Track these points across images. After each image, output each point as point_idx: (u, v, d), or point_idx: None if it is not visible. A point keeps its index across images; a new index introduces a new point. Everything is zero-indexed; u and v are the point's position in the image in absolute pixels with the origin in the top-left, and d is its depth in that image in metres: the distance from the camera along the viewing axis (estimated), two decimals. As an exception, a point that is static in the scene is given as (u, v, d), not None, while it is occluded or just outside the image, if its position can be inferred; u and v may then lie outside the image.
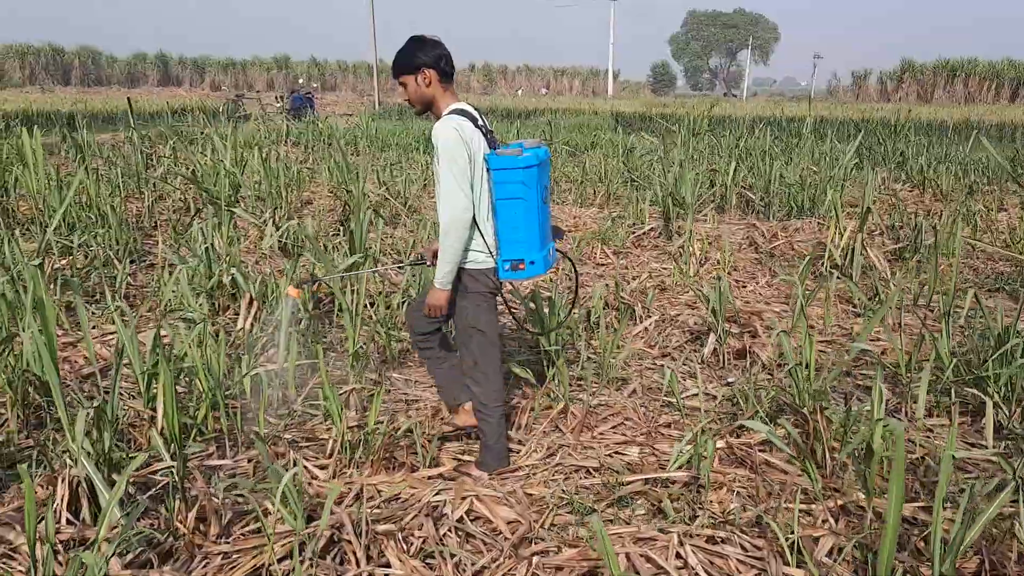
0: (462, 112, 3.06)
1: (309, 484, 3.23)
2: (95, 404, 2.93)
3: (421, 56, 3.03)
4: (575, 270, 3.83)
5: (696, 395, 4.32)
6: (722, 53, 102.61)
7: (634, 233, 8.17)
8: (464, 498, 3.05)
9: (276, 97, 24.78)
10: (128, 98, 8.49)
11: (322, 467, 3.44)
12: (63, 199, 6.38)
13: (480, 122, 3.10)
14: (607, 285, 5.42)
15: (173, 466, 2.71)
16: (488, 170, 3.00)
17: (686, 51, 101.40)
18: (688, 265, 6.70)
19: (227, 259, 5.47)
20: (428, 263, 3.53)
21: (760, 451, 3.55)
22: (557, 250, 3.42)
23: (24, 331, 3.62)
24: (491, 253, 3.12)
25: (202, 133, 16.95)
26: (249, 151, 8.17)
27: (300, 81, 38.44)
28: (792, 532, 2.80)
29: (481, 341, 3.29)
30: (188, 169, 9.26)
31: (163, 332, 4.19)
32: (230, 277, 5.03)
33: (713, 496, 3.20)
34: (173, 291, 5.25)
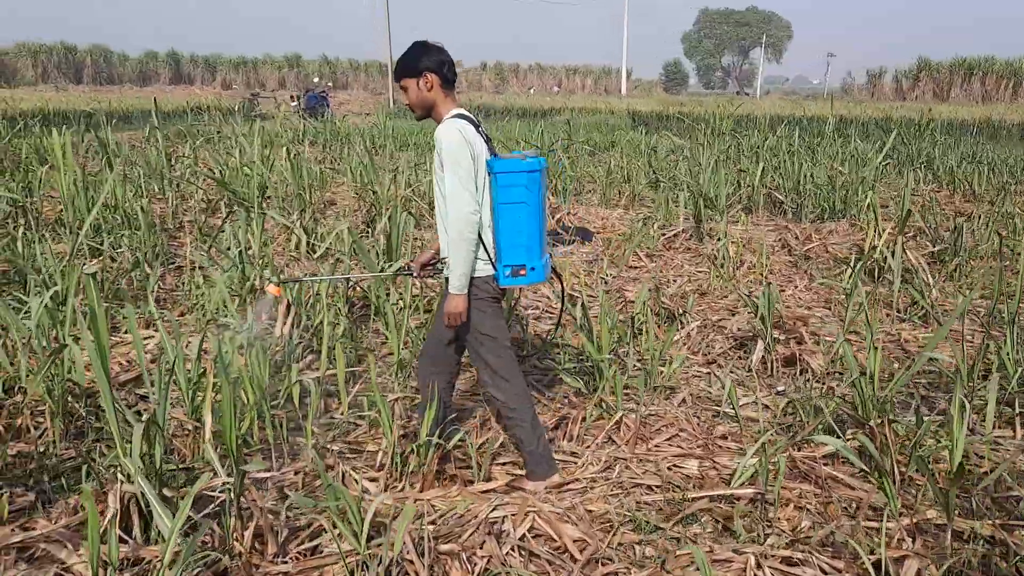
0: (463, 117, 3.07)
1: (360, 499, 3.13)
2: (143, 415, 2.83)
3: (424, 61, 3.05)
4: (562, 285, 3.77)
5: (747, 405, 4.21)
6: (734, 51, 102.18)
7: (664, 235, 8.03)
8: (525, 515, 2.94)
9: (291, 96, 24.72)
10: (154, 98, 8.37)
11: (372, 480, 3.34)
12: (93, 201, 6.30)
13: (480, 128, 3.12)
14: (649, 290, 5.29)
15: (230, 482, 2.60)
16: (491, 175, 2.99)
17: (698, 49, 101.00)
18: (727, 269, 6.56)
19: (260, 262, 5.36)
20: (414, 274, 3.53)
21: (823, 465, 3.43)
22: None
23: (65, 338, 3.53)
24: (491, 260, 3.09)
25: (218, 132, 16.93)
26: (276, 151, 8.07)
27: (316, 80, 38.31)
28: (872, 552, 2.69)
29: (492, 346, 3.23)
30: (210, 169, 9.19)
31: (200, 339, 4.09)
32: (268, 281, 4.91)
33: (780, 513, 3.08)
34: (201, 295, 5.17)
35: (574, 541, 2.83)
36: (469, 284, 3.09)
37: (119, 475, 2.74)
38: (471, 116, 3.13)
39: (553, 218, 8.75)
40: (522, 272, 3.05)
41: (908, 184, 6.94)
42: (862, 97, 56.02)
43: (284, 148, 7.12)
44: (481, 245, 3.07)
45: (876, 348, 3.61)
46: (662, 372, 4.41)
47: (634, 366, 4.48)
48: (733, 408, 3.89)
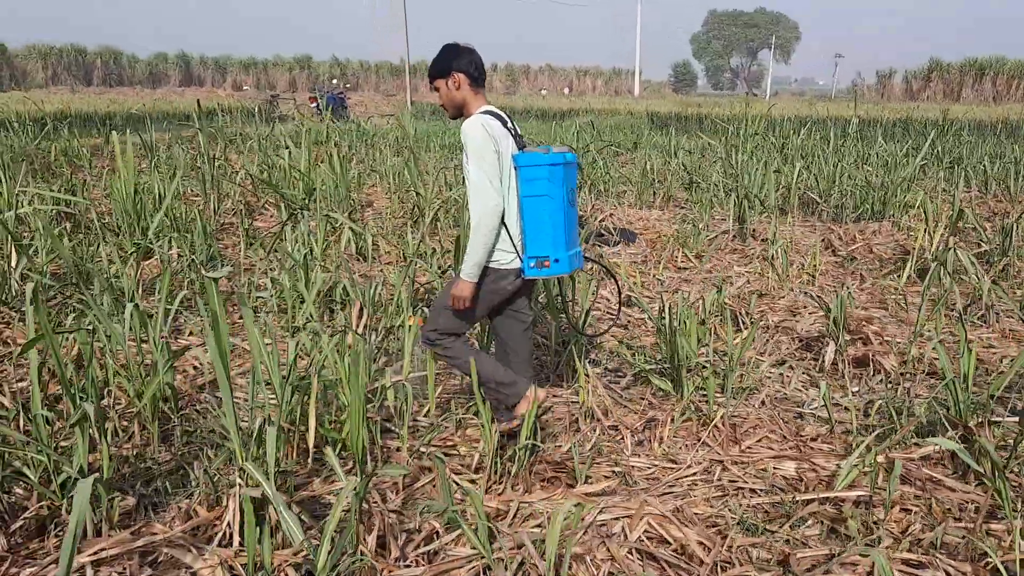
0: (491, 114, 3.19)
1: (461, 501, 3.12)
2: (261, 420, 2.83)
3: (453, 62, 3.20)
4: (618, 285, 3.83)
5: (825, 406, 4.19)
6: (743, 52, 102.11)
7: (707, 236, 8.01)
8: (641, 518, 2.92)
9: (310, 98, 24.73)
10: (198, 100, 8.36)
11: (471, 482, 3.33)
12: (142, 203, 6.31)
13: (509, 124, 3.24)
14: (718, 291, 5.28)
15: (353, 484, 2.58)
16: (516, 168, 3.12)
17: (707, 51, 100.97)
18: (785, 270, 6.53)
19: (324, 265, 5.36)
20: None
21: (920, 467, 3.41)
22: (587, 258, 3.51)
23: (156, 342, 3.53)
24: (517, 252, 3.21)
25: (240, 134, 16.94)
26: (322, 153, 8.06)
27: (334, 81, 38.33)
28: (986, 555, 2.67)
29: (447, 321, 3.36)
30: (246, 171, 9.18)
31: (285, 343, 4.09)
32: (340, 285, 4.95)
33: (886, 515, 3.06)
34: (272, 297, 5.16)
35: (688, 543, 2.81)
36: (489, 272, 3.22)
37: (238, 479, 2.74)
38: (499, 113, 3.25)
39: (596, 220, 8.74)
40: (546, 264, 3.14)
41: (959, 184, 6.93)
42: (872, 98, 55.96)
43: (334, 151, 7.10)
44: (507, 237, 3.19)
45: (970, 349, 3.60)
46: (740, 374, 4.40)
47: (714, 368, 4.46)
48: (826, 409, 3.86)
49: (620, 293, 3.96)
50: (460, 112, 3.29)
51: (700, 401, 4.10)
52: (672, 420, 3.86)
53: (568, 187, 3.15)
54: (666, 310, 4.26)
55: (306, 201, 7.34)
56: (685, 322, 4.30)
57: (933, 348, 4.31)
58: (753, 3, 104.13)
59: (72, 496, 2.83)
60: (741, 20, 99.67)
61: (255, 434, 2.88)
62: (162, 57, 64.47)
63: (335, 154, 7.17)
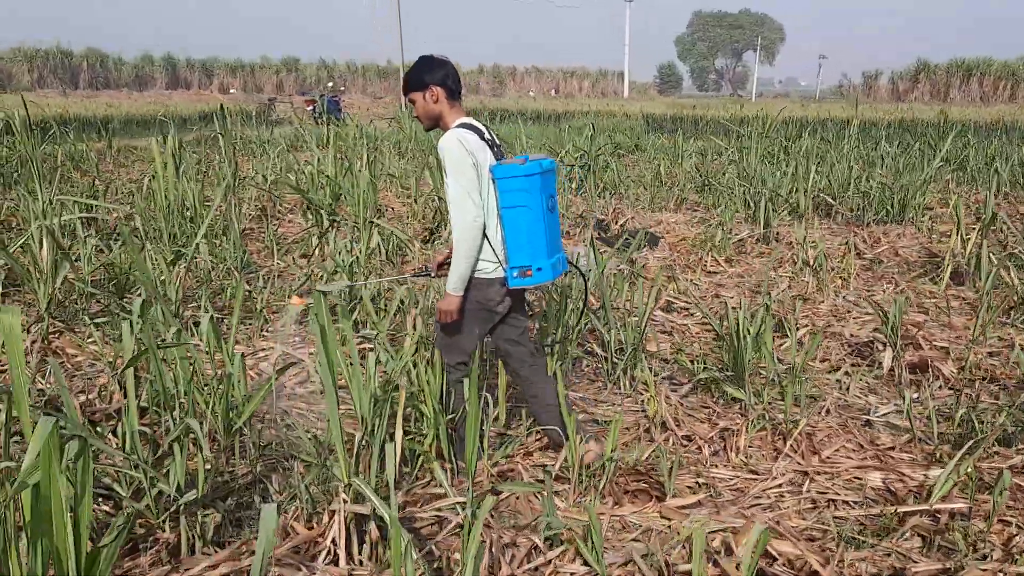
0: (468, 126, 3.20)
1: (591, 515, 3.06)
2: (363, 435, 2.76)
3: (429, 75, 3.20)
4: (585, 280, 3.84)
5: (889, 413, 4.16)
6: (728, 54, 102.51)
7: (732, 239, 7.98)
8: (744, 532, 2.87)
9: (306, 101, 24.59)
10: (220, 104, 8.25)
11: (556, 493, 3.26)
12: (170, 208, 6.21)
13: (487, 135, 3.24)
14: (768, 295, 5.24)
15: (461, 501, 2.52)
16: (493, 180, 3.13)
17: (692, 52, 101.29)
18: (823, 274, 6.50)
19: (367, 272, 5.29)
20: (432, 274, 3.63)
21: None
22: (568, 262, 3.50)
23: (231, 354, 3.45)
24: (500, 263, 3.22)
25: (240, 137, 16.80)
26: (355, 157, 7.96)
27: (330, 84, 38.09)
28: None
29: (456, 346, 3.35)
30: (273, 176, 9.09)
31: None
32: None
33: (982, 525, 3.02)
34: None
35: (794, 559, 2.77)
36: (471, 283, 3.22)
37: (342, 494, 2.67)
38: (476, 125, 3.26)
39: (616, 223, 8.70)
40: (528, 273, 3.17)
41: (992, 186, 6.93)
42: (859, 99, 56.24)
43: (364, 156, 7.01)
44: (489, 247, 3.20)
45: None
46: (802, 381, 4.36)
47: (779, 376, 4.42)
48: (904, 418, 3.83)
49: (586, 296, 3.99)
50: (436, 124, 3.30)
51: (772, 410, 4.05)
52: (746, 430, 3.81)
53: (547, 195, 3.17)
54: (728, 316, 4.22)
55: (333, 206, 7.25)
56: (748, 329, 4.26)
57: (969, 353, 4.28)
58: (738, 4, 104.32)
59: (167, 512, 2.76)
60: (726, 21, 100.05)
61: (356, 448, 2.82)
62: (148, 59, 63.93)
63: (364, 158, 7.08)
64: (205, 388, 3.27)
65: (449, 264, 3.52)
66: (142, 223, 5.51)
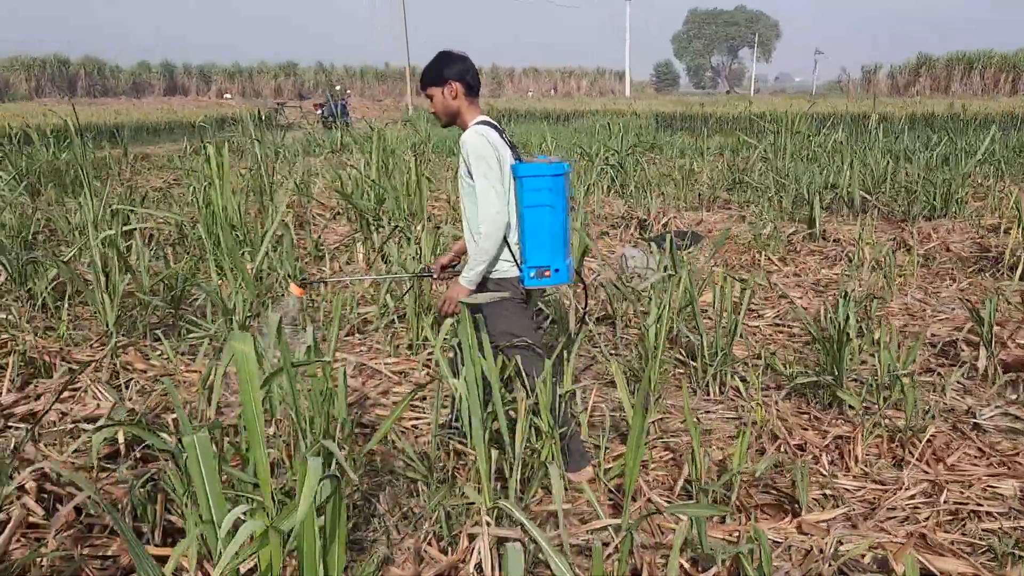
0: (488, 124, 3.18)
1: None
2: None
3: (448, 70, 3.16)
4: (583, 283, 3.76)
5: (993, 416, 4.02)
6: (723, 51, 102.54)
7: (781, 237, 7.83)
8: (904, 549, 2.72)
9: (314, 105, 24.44)
10: (257, 109, 8.09)
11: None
12: (268, 222, 6.03)
13: (504, 134, 3.22)
14: (846, 296, 5.10)
15: (615, 524, 2.37)
16: (516, 179, 3.07)
17: (688, 50, 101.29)
18: (891, 271, 6.35)
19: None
20: (434, 276, 3.66)
21: None
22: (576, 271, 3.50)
23: (325, 369, 3.30)
24: (516, 262, 3.19)
25: (250, 141, 16.60)
26: (402, 160, 7.81)
27: (337, 88, 37.86)
28: None
29: (519, 346, 3.24)
30: (295, 181, 8.93)
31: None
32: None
33: None
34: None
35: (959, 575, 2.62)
36: (495, 284, 3.21)
37: (485, 516, 2.52)
38: (495, 123, 3.24)
39: (659, 222, 8.56)
40: (547, 273, 3.13)
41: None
42: (858, 93, 56.22)
43: (412, 161, 6.86)
44: (506, 247, 3.17)
45: None
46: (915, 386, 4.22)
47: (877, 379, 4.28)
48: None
49: (587, 301, 3.94)
50: (453, 121, 3.25)
51: (883, 415, 3.90)
52: (861, 437, 3.66)
53: (566, 196, 3.14)
54: (830, 317, 4.08)
55: (377, 211, 7.09)
56: (848, 331, 4.11)
57: None
58: (733, 1, 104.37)
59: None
60: (721, 18, 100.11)
61: (489, 467, 2.67)
62: (145, 66, 63.77)
63: (412, 162, 6.93)
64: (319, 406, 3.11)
65: (453, 266, 3.66)
66: (205, 232, 5.33)
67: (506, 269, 3.21)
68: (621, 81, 76.44)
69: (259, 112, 20.83)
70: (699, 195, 10.35)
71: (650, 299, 4.37)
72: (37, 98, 52.04)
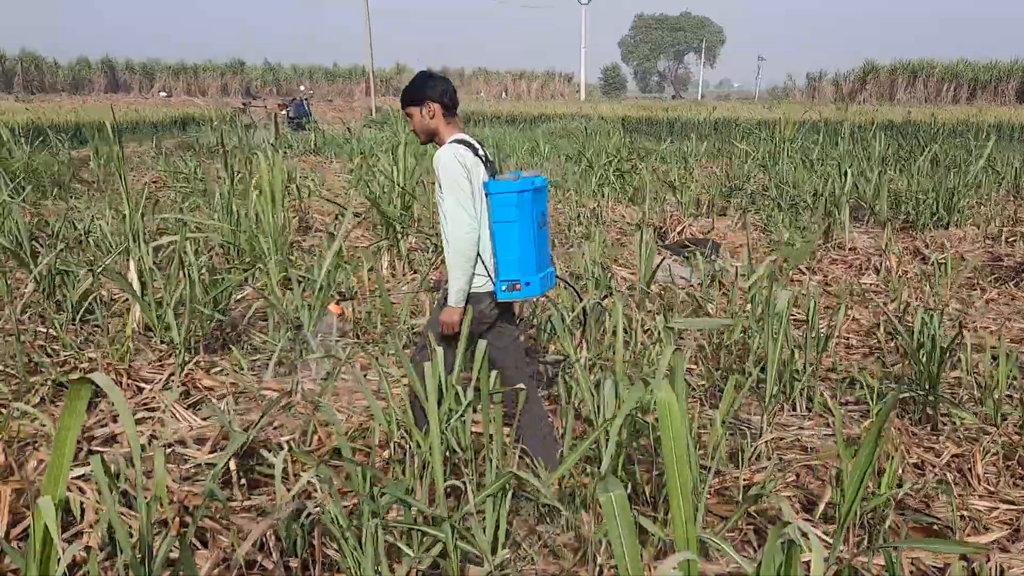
0: (463, 142, 3.25)
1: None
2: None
3: (427, 91, 3.26)
4: (579, 297, 3.97)
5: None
6: (670, 56, 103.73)
7: (802, 247, 7.84)
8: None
9: (279, 104, 23.95)
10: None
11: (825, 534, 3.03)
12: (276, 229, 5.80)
13: (480, 151, 3.30)
14: (904, 305, 5.11)
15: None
16: (487, 195, 3.20)
17: (635, 54, 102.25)
18: (939, 280, 6.38)
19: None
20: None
21: None
22: (558, 277, 3.62)
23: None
24: (489, 277, 3.29)
25: (222, 142, 16.16)
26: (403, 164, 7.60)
27: (302, 88, 37.14)
28: None
29: (506, 355, 3.43)
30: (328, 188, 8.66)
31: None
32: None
33: None
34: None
35: None
36: (472, 298, 3.30)
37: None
38: (471, 141, 3.32)
39: (674, 230, 8.53)
40: (517, 287, 3.24)
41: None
42: (801, 100, 57.33)
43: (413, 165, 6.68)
44: (481, 263, 3.26)
45: None
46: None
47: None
48: None
49: (585, 312, 4.05)
50: (431, 139, 3.35)
51: (1005, 432, 3.88)
52: (980, 456, 3.63)
53: (538, 211, 3.26)
54: (927, 331, 4.05)
55: (404, 217, 6.91)
56: (941, 346, 4.09)
57: None
58: (679, 7, 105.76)
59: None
60: (667, 24, 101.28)
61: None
62: (84, 63, 61.78)
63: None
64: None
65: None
66: (248, 243, 5.09)
67: (481, 284, 3.30)
68: (569, 84, 76.76)
69: (226, 113, 20.35)
70: (698, 202, 10.36)
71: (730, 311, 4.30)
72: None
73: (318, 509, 2.66)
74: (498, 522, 2.60)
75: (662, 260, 6.34)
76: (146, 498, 2.71)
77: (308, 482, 2.93)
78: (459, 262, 3.17)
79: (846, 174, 9.61)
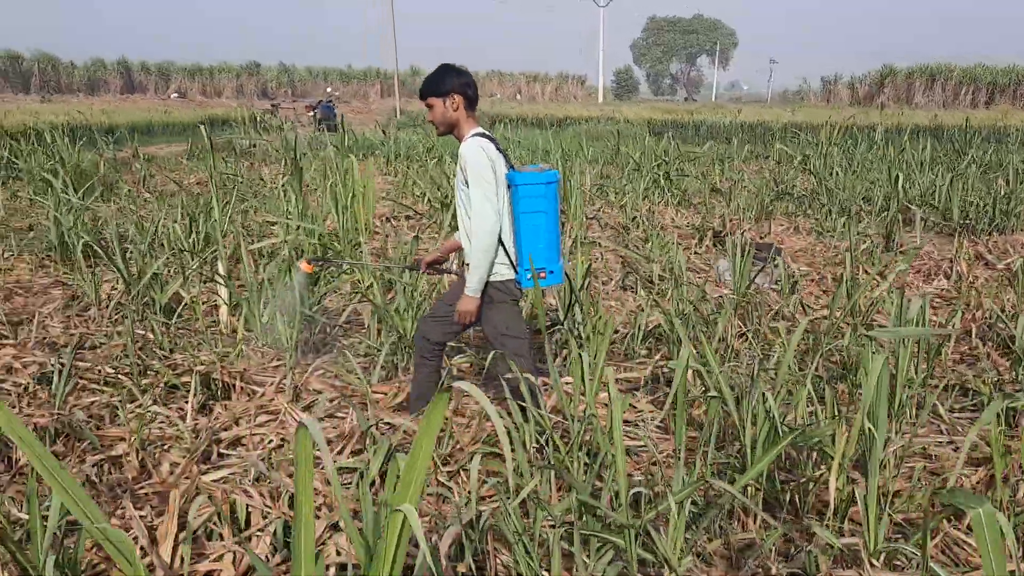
0: (484, 136, 3.33)
1: None
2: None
3: (451, 82, 3.30)
4: (570, 285, 4.08)
5: None
6: (682, 58, 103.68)
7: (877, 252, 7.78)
8: None
9: (306, 107, 24.00)
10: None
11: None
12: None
13: (498, 145, 3.37)
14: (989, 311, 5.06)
15: None
16: (511, 187, 3.28)
17: (647, 56, 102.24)
18: (1019, 286, 6.32)
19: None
20: (420, 270, 3.94)
21: None
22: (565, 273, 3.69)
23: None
24: (513, 266, 3.39)
25: (253, 145, 16.22)
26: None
27: (328, 89, 37.17)
28: None
29: (515, 344, 3.49)
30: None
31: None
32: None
33: None
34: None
35: None
36: (493, 288, 3.39)
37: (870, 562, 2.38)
38: (490, 135, 3.39)
39: (734, 235, 8.49)
40: (542, 275, 3.34)
41: None
42: (816, 103, 57.26)
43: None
44: (504, 252, 3.35)
45: None
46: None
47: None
48: None
49: (572, 303, 4.21)
50: (450, 131, 3.40)
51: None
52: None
53: (557, 203, 3.34)
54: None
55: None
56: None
57: None
58: (691, 9, 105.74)
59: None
60: (680, 26, 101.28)
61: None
62: (100, 64, 62.02)
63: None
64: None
65: (439, 264, 3.94)
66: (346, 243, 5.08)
67: (504, 273, 3.38)
68: (582, 86, 76.84)
69: (255, 114, 20.42)
70: (747, 205, 10.32)
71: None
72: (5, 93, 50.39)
73: (488, 514, 2.64)
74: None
75: (760, 269, 6.29)
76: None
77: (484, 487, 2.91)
78: (483, 254, 3.23)
79: (897, 178, 9.57)
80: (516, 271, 3.40)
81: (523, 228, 3.29)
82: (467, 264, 3.38)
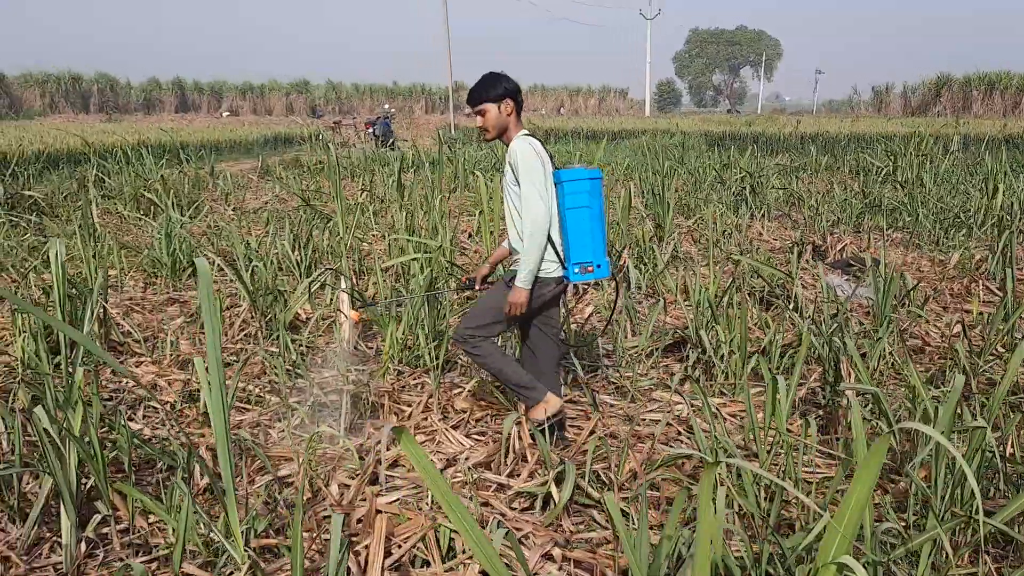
0: (533, 136, 3.48)
1: None
2: None
3: (504, 87, 3.41)
4: (617, 289, 4.16)
5: None
6: (725, 70, 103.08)
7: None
8: None
9: (364, 123, 24.19)
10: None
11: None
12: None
13: (545, 146, 3.51)
14: None
15: None
16: (558, 184, 3.39)
17: (690, 68, 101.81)
18: None
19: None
20: (476, 287, 3.92)
21: None
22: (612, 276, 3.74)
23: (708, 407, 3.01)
24: (561, 262, 3.47)
25: (320, 161, 16.32)
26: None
27: (386, 106, 37.47)
28: None
29: (551, 333, 3.71)
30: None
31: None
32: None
33: None
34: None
35: None
36: (537, 283, 3.44)
37: None
38: (537, 136, 3.53)
39: (835, 248, 8.31)
40: (590, 269, 3.41)
41: None
42: (868, 113, 56.39)
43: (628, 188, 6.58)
44: (552, 249, 3.43)
45: None
46: None
47: None
48: None
49: (615, 303, 4.11)
50: (501, 135, 3.48)
51: None
52: None
53: (602, 200, 3.44)
54: None
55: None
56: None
57: None
58: (734, 21, 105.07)
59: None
60: (723, 38, 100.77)
61: None
62: (155, 83, 63.37)
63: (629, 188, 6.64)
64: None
65: (489, 278, 3.98)
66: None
67: (552, 270, 3.47)
68: (624, 99, 76.68)
69: (314, 132, 20.61)
70: (836, 220, 10.11)
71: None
72: (51, 115, 51.66)
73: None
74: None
75: (858, 284, 6.14)
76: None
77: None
78: (534, 245, 3.31)
79: (996, 189, 9.30)
80: (564, 267, 3.47)
81: (569, 223, 3.38)
82: (516, 258, 3.49)
